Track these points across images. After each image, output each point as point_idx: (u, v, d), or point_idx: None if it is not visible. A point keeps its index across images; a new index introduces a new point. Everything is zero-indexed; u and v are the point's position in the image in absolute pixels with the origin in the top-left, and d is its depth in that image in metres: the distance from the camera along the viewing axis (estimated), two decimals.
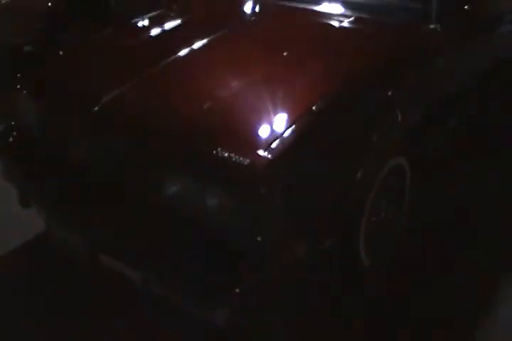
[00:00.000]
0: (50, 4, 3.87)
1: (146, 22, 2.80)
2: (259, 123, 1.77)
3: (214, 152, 1.64)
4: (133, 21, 2.79)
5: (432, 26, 2.49)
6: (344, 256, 2.03)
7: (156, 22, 2.80)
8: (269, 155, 1.62)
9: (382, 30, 2.48)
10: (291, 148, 1.67)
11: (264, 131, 1.72)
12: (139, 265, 1.84)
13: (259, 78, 2.00)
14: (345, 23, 2.56)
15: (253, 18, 2.90)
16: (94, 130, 1.95)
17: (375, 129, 2.01)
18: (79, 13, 3.94)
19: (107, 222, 1.88)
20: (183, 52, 2.25)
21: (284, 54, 2.21)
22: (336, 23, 2.62)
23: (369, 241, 2.09)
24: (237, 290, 1.62)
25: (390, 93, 2.13)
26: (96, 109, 1.94)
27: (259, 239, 1.63)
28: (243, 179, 1.60)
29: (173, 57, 2.21)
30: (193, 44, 2.31)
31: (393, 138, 2.14)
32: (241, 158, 1.61)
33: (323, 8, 2.68)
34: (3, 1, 3.98)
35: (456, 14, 2.62)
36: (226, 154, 1.63)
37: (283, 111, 1.80)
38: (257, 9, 2.88)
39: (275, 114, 1.78)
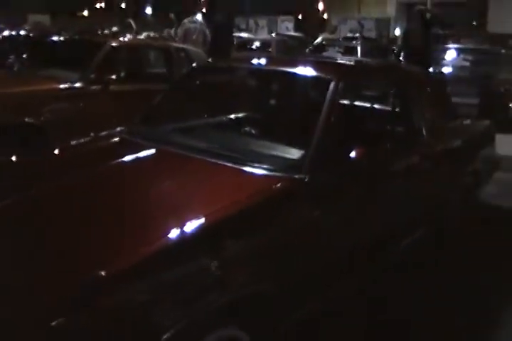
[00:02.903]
0: None
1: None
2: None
3: None
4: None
5: (298, 176, 2.28)
6: None
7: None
8: None
9: (233, 181, 2.31)
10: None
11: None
12: None
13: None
14: (202, 170, 2.41)
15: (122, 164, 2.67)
16: None
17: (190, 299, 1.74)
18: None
19: None
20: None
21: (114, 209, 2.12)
22: (191, 170, 2.45)
23: None
24: None
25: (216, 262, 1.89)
26: None
27: None
28: None
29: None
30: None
31: (218, 305, 1.80)
32: None
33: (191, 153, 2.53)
34: None
35: (336, 164, 2.38)
36: None
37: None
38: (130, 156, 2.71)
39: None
